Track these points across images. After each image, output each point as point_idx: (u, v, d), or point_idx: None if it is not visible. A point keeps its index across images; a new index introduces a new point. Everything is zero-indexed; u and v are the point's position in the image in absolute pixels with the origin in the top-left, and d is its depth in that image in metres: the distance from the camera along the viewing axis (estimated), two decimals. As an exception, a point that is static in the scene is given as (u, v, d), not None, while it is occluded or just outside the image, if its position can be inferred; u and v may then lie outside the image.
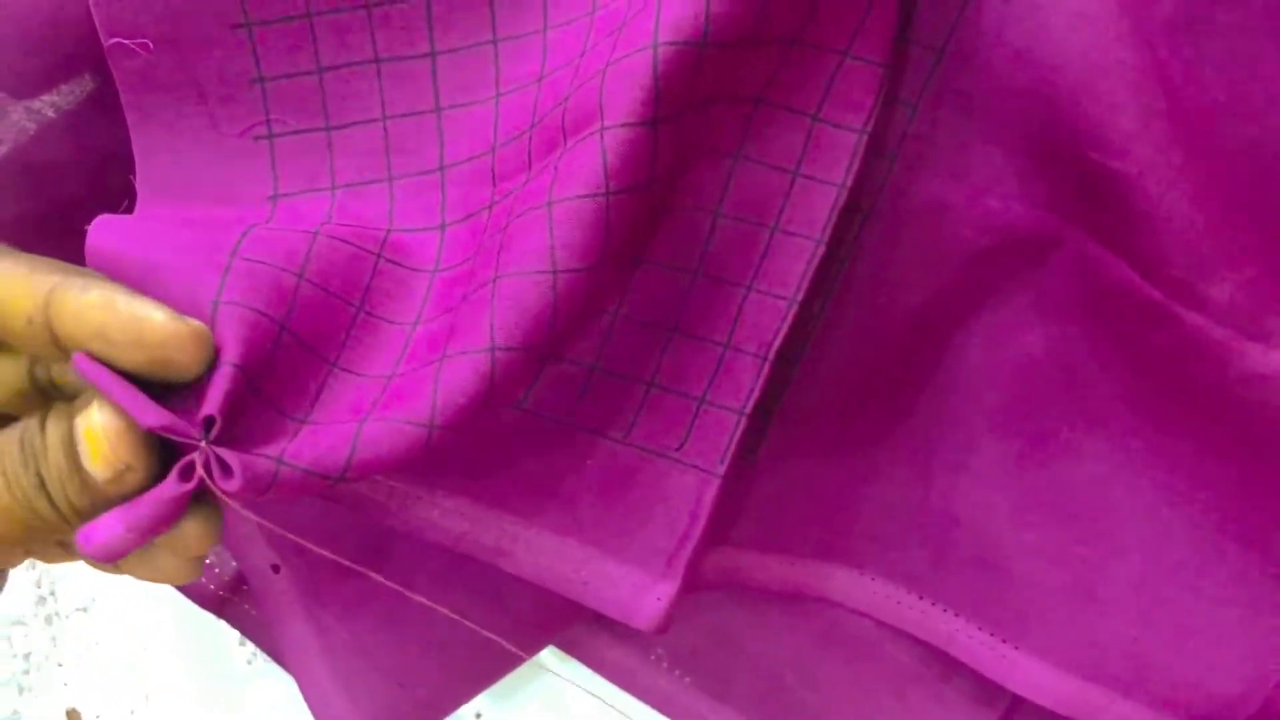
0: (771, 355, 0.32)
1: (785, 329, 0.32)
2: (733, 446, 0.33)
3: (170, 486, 0.25)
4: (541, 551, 0.33)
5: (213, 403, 0.25)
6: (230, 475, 0.25)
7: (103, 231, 0.29)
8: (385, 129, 0.32)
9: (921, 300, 0.35)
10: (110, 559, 0.25)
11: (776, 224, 0.32)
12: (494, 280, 0.28)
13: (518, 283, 0.28)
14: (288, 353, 0.28)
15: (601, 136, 0.28)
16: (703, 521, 0.33)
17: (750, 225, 0.32)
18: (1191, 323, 0.32)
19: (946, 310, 0.35)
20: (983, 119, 0.33)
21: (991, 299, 0.35)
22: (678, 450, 0.33)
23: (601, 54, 0.29)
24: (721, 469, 0.33)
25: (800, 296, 0.32)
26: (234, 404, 0.26)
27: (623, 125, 0.27)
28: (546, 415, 0.33)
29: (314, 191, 0.32)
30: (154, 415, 0.25)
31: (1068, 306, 0.35)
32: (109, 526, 0.25)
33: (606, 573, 0.33)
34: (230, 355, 0.26)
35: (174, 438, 0.25)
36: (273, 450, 0.26)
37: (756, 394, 0.32)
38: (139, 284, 0.27)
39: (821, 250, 0.32)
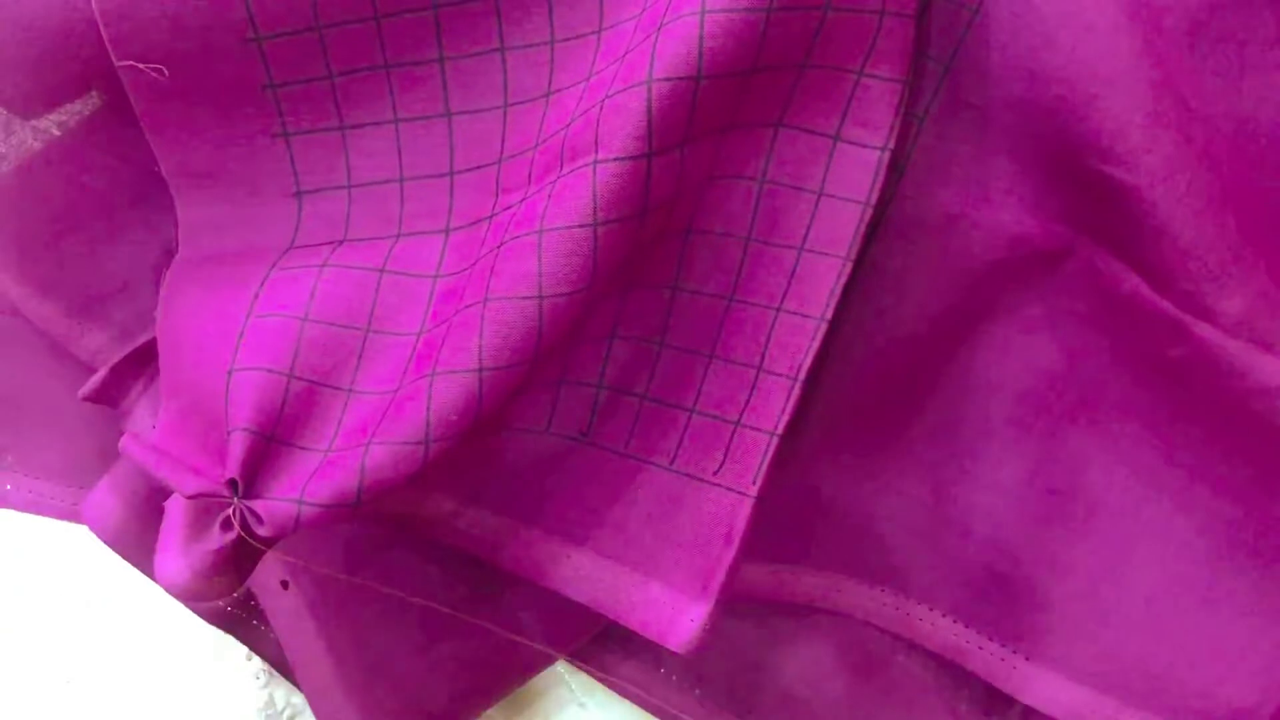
0: (802, 376, 0.32)
1: (815, 348, 0.32)
2: (765, 467, 0.33)
3: (215, 538, 0.30)
4: (588, 574, 0.35)
5: (232, 467, 0.30)
6: (262, 523, 0.29)
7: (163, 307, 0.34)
8: (397, 130, 0.33)
9: (932, 311, 0.35)
10: (176, 594, 0.31)
11: (803, 244, 0.32)
12: (484, 302, 0.30)
13: (506, 306, 0.29)
14: (300, 397, 0.31)
15: (594, 169, 0.29)
16: (737, 543, 0.33)
17: (778, 247, 0.32)
18: (1202, 335, 0.32)
19: (957, 321, 0.35)
20: (992, 131, 0.33)
21: (1003, 310, 0.35)
22: (715, 474, 0.34)
23: (605, 80, 0.30)
24: (755, 490, 0.33)
25: (829, 315, 0.32)
26: (251, 461, 0.30)
27: (615, 160, 0.29)
28: (607, 446, 0.34)
29: (332, 189, 0.34)
30: (192, 484, 0.30)
31: (1079, 318, 0.35)
32: (171, 559, 0.31)
33: (647, 595, 0.34)
34: (239, 421, 0.30)
35: (211, 499, 0.30)
36: (294, 492, 0.29)
37: (788, 415, 0.33)
38: (174, 358, 0.33)
39: (849, 268, 0.32)
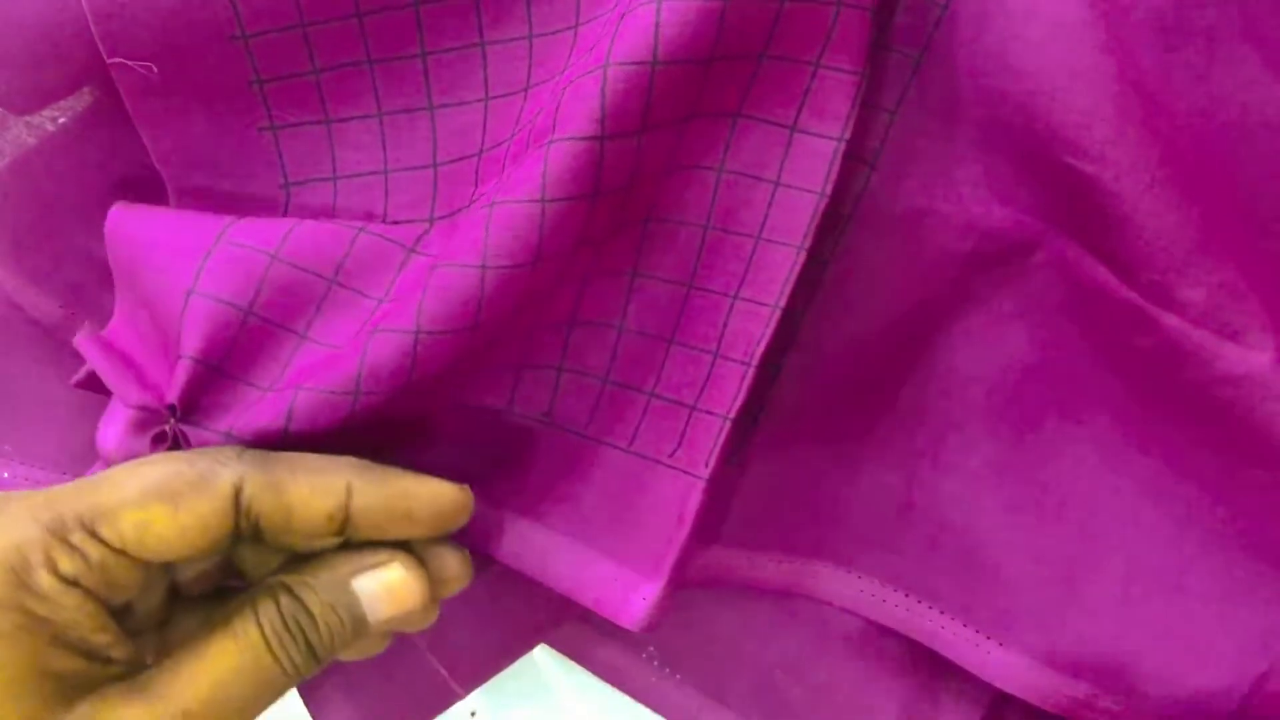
0: (756, 361, 0.33)
1: (769, 335, 0.33)
2: (717, 451, 0.33)
3: (144, 445, 0.31)
4: (544, 549, 0.35)
5: (173, 391, 0.30)
6: (191, 448, 0.30)
7: (117, 218, 0.34)
8: (381, 123, 0.34)
9: (905, 304, 0.36)
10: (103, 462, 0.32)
11: (760, 233, 0.33)
12: (431, 269, 0.30)
13: (449, 273, 0.30)
14: (253, 333, 0.31)
15: (548, 149, 0.30)
16: (689, 524, 0.33)
17: (736, 235, 0.33)
18: (1169, 325, 0.32)
19: (930, 313, 0.36)
20: (962, 125, 0.34)
21: (974, 302, 0.36)
22: (670, 456, 0.34)
23: (574, 72, 0.31)
24: (706, 473, 0.33)
25: (783, 303, 0.33)
26: (193, 389, 0.31)
27: (568, 139, 0.29)
28: (568, 428, 0.35)
29: (319, 181, 0.34)
30: (135, 395, 0.31)
31: (1050, 310, 0.35)
32: (110, 439, 0.32)
33: (601, 572, 0.35)
34: (189, 348, 0.31)
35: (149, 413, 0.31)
36: (224, 424, 0.30)
37: (741, 399, 0.33)
38: (128, 268, 0.33)
39: (803, 257, 0.33)
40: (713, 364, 0.33)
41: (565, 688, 0.43)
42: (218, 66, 0.32)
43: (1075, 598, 0.37)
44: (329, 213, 0.34)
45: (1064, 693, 0.37)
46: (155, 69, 0.32)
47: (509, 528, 0.35)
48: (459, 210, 0.34)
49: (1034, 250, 0.35)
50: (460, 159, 0.34)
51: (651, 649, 0.42)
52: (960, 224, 0.34)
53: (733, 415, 0.33)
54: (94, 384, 0.38)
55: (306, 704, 0.40)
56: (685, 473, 0.34)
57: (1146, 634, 0.36)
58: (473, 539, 0.35)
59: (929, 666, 0.40)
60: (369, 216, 0.34)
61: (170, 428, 0.30)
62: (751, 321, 0.33)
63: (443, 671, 0.39)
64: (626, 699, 0.42)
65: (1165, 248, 0.32)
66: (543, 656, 0.43)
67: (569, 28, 0.33)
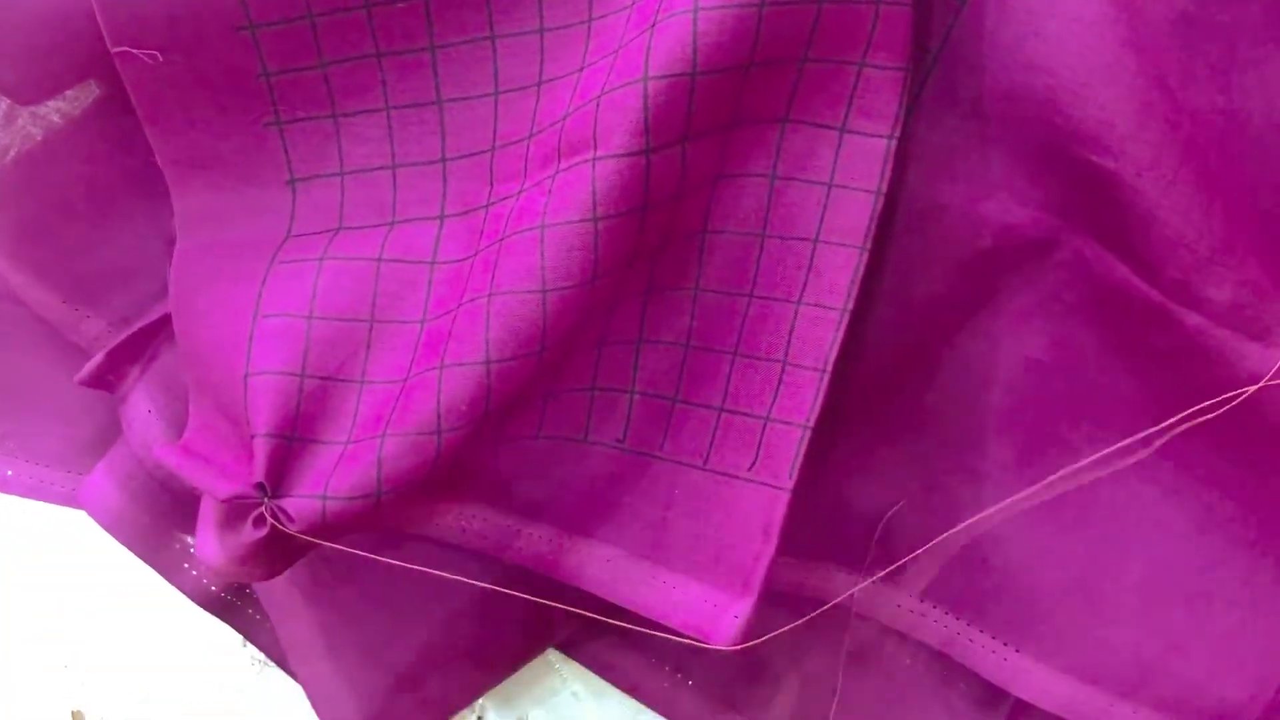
0: (829, 367, 0.33)
1: (840, 339, 0.33)
2: (799, 460, 0.33)
3: (248, 532, 0.31)
4: (629, 577, 0.35)
5: (258, 471, 0.31)
6: (292, 521, 0.31)
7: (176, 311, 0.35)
8: (389, 118, 0.34)
9: (922, 302, 0.35)
10: (213, 574, 0.34)
11: (818, 236, 0.32)
12: (489, 296, 0.31)
13: (511, 300, 0.30)
14: (314, 394, 0.32)
15: (593, 166, 0.30)
16: (775, 537, 0.33)
17: (794, 240, 0.33)
18: (1192, 323, 0.32)
19: (948, 312, 0.35)
20: (980, 121, 0.33)
21: (992, 301, 0.35)
22: (749, 469, 0.34)
23: (600, 73, 0.31)
24: (790, 483, 0.33)
25: (851, 305, 0.32)
26: (275, 464, 0.31)
27: (613, 156, 0.29)
28: (643, 451, 0.35)
29: (325, 177, 0.34)
30: (225, 489, 0.31)
31: (1069, 308, 0.35)
32: (209, 546, 0.32)
33: (688, 595, 0.34)
34: (260, 426, 0.31)
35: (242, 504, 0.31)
36: (318, 489, 0.31)
37: (819, 406, 0.33)
38: (194, 362, 0.34)
39: (865, 258, 0.32)
40: (782, 373, 0.33)
41: (577, 692, 0.42)
42: (225, 58, 0.32)
43: (1094, 604, 0.36)
44: (336, 209, 0.34)
45: (1083, 701, 0.36)
46: (160, 58, 0.31)
47: (593, 557, 0.35)
48: (474, 209, 0.33)
49: (1052, 248, 0.34)
50: (470, 155, 0.34)
51: (662, 654, 0.41)
52: (978, 221, 0.34)
53: (811, 424, 0.33)
54: (99, 381, 0.37)
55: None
56: (767, 485, 0.34)
57: (1167, 642, 0.35)
58: (560, 571, 0.35)
59: (944, 673, 0.39)
60: (378, 212, 0.34)
61: (265, 507, 0.31)
62: (820, 327, 0.33)
63: None
64: (638, 705, 0.41)
65: (1188, 245, 0.31)
66: (553, 660, 0.42)
67: (582, 22, 0.32)
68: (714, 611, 0.33)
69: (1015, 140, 0.33)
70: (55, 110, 0.35)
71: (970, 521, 0.36)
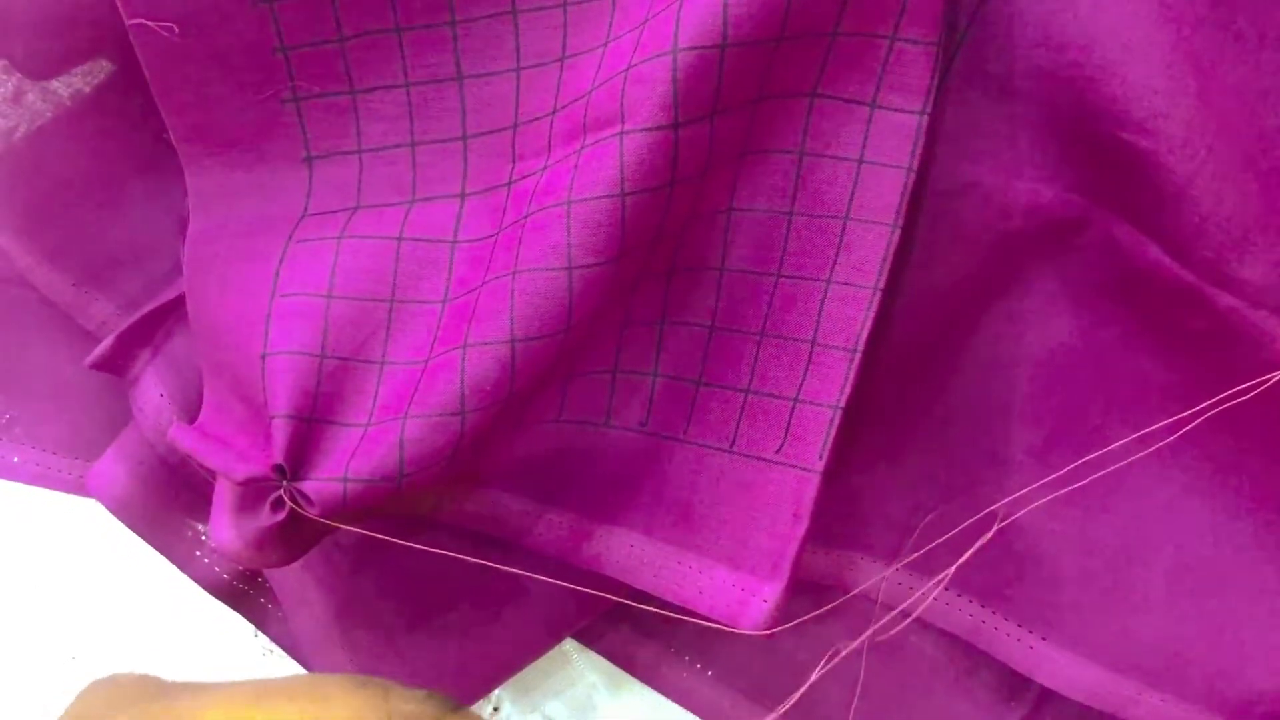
0: (861, 346, 0.32)
1: (871, 319, 0.32)
2: (829, 442, 0.32)
3: (266, 516, 0.31)
4: (658, 563, 0.34)
5: (277, 453, 0.30)
6: (312, 504, 0.30)
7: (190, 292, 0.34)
8: (408, 94, 0.33)
9: (948, 284, 0.35)
10: (229, 560, 0.33)
11: (848, 214, 0.32)
12: (514, 274, 0.30)
13: (536, 278, 0.30)
14: (334, 375, 0.31)
15: (621, 140, 0.29)
16: (806, 520, 0.32)
17: (823, 219, 0.32)
18: (1224, 304, 0.31)
19: (974, 294, 0.35)
20: (1008, 100, 0.33)
21: (1020, 283, 0.35)
22: (777, 452, 0.33)
23: (626, 47, 0.30)
24: (820, 465, 0.32)
25: (882, 284, 0.32)
26: (295, 445, 0.30)
27: (642, 130, 0.29)
28: (667, 435, 0.34)
29: (342, 154, 0.33)
30: (242, 470, 0.30)
31: (1098, 290, 0.34)
32: (224, 530, 0.31)
33: (715, 580, 0.34)
34: (278, 407, 0.30)
35: (261, 486, 0.31)
36: (339, 471, 0.30)
37: (850, 387, 0.32)
38: (208, 342, 0.33)
39: (897, 235, 0.31)
40: (811, 353, 0.33)
41: (594, 683, 0.42)
42: (241, 31, 0.31)
43: (1121, 592, 0.36)
44: (355, 187, 0.33)
45: (1110, 689, 0.36)
46: (176, 30, 0.31)
47: (617, 543, 0.35)
48: (496, 186, 0.33)
49: (1081, 228, 0.34)
50: (491, 132, 0.33)
51: (681, 644, 0.41)
52: (1004, 201, 0.33)
53: (842, 404, 0.32)
54: (109, 365, 0.37)
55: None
56: (796, 467, 0.33)
57: (1194, 630, 0.35)
58: (582, 557, 0.35)
59: (968, 662, 0.39)
60: (397, 190, 0.33)
61: (285, 489, 0.30)
62: (851, 306, 0.32)
63: None
64: (657, 695, 0.41)
65: (1221, 224, 0.31)
66: (570, 651, 0.42)
67: None
68: (742, 596, 0.33)
69: (1044, 119, 0.32)
70: (65, 86, 0.34)
71: (1000, 510, 0.35)
